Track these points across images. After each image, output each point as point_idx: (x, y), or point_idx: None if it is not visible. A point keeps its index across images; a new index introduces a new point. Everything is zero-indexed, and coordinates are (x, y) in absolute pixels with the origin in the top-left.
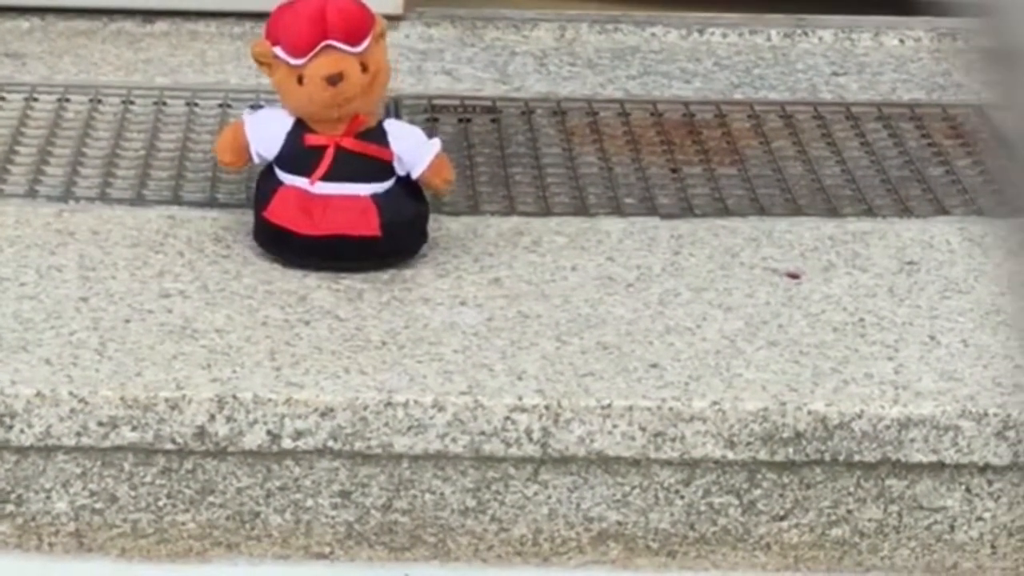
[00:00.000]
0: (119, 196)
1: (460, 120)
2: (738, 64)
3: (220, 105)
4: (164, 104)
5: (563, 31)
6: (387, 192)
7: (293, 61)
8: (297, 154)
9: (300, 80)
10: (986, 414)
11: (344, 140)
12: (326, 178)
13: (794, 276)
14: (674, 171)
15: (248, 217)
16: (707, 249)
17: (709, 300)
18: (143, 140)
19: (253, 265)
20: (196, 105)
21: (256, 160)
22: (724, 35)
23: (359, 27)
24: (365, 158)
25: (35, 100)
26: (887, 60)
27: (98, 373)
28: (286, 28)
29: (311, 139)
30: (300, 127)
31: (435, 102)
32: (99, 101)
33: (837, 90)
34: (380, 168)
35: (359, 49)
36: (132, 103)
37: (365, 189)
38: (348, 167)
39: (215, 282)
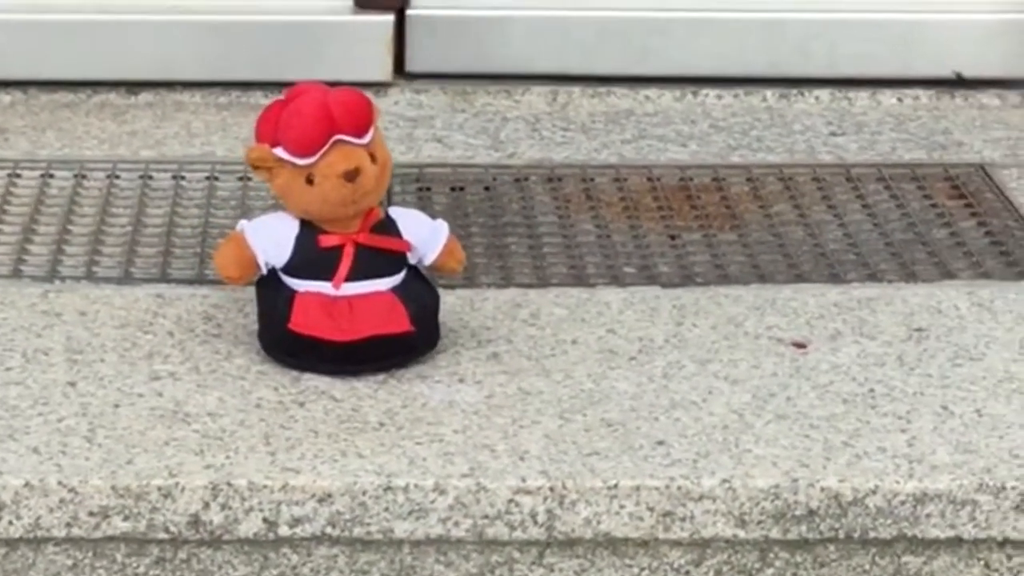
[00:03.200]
0: (106, 275)
1: (452, 189)
2: (734, 126)
3: (207, 177)
4: (150, 178)
5: (555, 95)
6: (404, 283)
7: (301, 161)
8: (312, 258)
9: (310, 180)
10: (1004, 487)
11: (360, 236)
12: (347, 278)
13: (800, 346)
14: (673, 238)
15: (240, 294)
16: (710, 319)
17: (714, 372)
18: (129, 216)
19: (245, 344)
20: (183, 178)
21: (264, 270)
22: (719, 96)
23: (365, 117)
24: (381, 252)
25: (18, 176)
26: (885, 119)
27: (88, 461)
28: (288, 127)
29: (326, 240)
30: (309, 229)
31: (426, 171)
32: (84, 176)
33: (836, 151)
34: (396, 260)
35: (366, 140)
36: (117, 177)
37: (385, 284)
38: (367, 264)
39: (206, 363)
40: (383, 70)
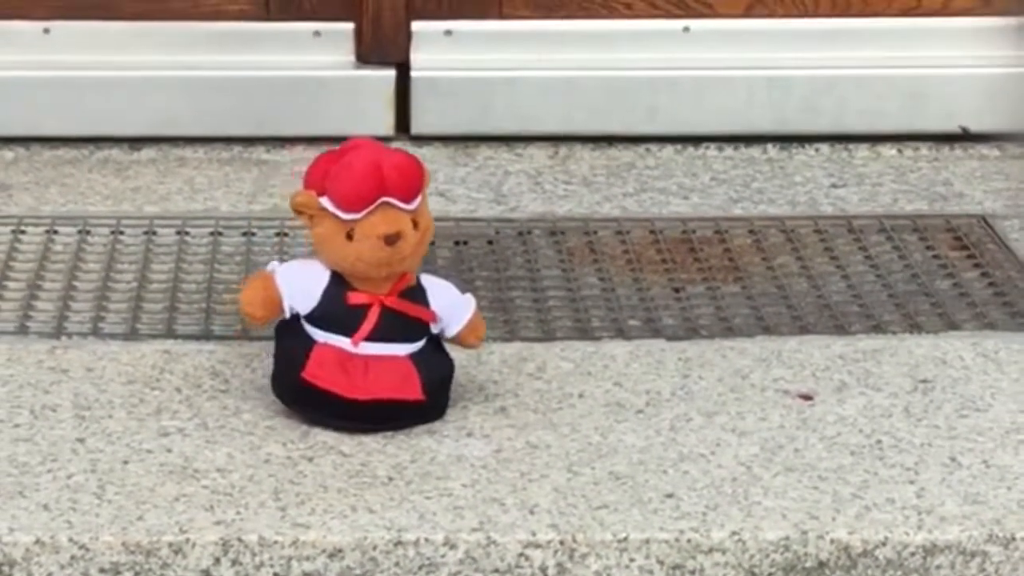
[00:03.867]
0: (112, 331)
1: (456, 243)
2: (736, 178)
3: (211, 233)
4: (154, 233)
5: (556, 149)
6: (421, 351)
7: (345, 216)
8: (337, 312)
9: (349, 235)
10: (1013, 538)
11: (388, 299)
12: (368, 338)
13: (807, 397)
14: (676, 291)
15: (246, 349)
16: (716, 371)
17: (722, 425)
18: (134, 271)
19: (253, 400)
20: (187, 234)
21: (287, 315)
22: (720, 148)
23: (415, 184)
24: (407, 318)
25: (23, 232)
26: (886, 171)
27: (98, 518)
28: (338, 180)
29: (355, 297)
30: (339, 283)
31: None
32: (88, 232)
33: (838, 203)
34: (418, 328)
35: (413, 207)
36: (122, 233)
37: (403, 349)
38: (390, 327)
39: (214, 419)
40: (385, 125)
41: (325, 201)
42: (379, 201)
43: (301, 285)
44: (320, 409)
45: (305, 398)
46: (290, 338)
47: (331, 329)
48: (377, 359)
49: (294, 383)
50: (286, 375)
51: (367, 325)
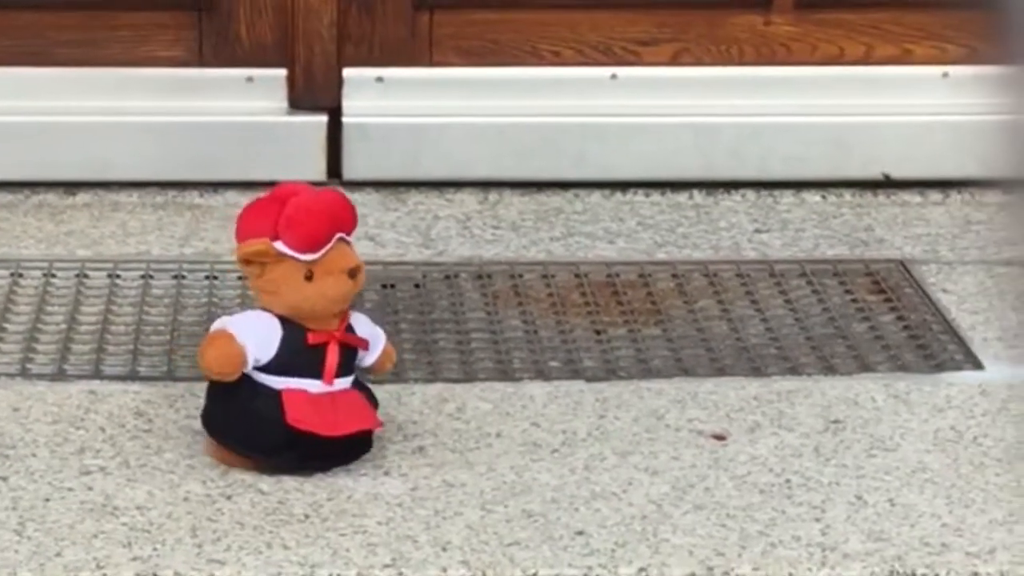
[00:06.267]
0: (39, 371)
1: (383, 286)
2: (662, 223)
3: (142, 276)
4: (86, 276)
5: (486, 194)
6: (356, 382)
7: (304, 256)
8: (299, 355)
9: (308, 276)
10: (914, 574)
11: (339, 334)
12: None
13: (720, 437)
14: (598, 333)
15: (171, 390)
16: (632, 412)
17: (635, 464)
18: (64, 314)
19: (175, 439)
20: (118, 277)
21: (250, 367)
22: (647, 194)
23: (356, 217)
24: (349, 350)
25: None
26: (810, 216)
27: (17, 554)
28: (296, 223)
29: (314, 337)
30: (293, 327)
31: None
32: (20, 275)
33: (760, 247)
34: (354, 359)
35: (351, 239)
36: (54, 276)
37: (347, 382)
38: (343, 362)
39: (136, 457)
40: (317, 170)
41: (280, 245)
42: (336, 237)
43: (260, 335)
44: (301, 452)
45: (288, 446)
46: (247, 393)
47: (293, 373)
48: (336, 395)
49: (276, 433)
50: (263, 428)
51: (331, 362)
